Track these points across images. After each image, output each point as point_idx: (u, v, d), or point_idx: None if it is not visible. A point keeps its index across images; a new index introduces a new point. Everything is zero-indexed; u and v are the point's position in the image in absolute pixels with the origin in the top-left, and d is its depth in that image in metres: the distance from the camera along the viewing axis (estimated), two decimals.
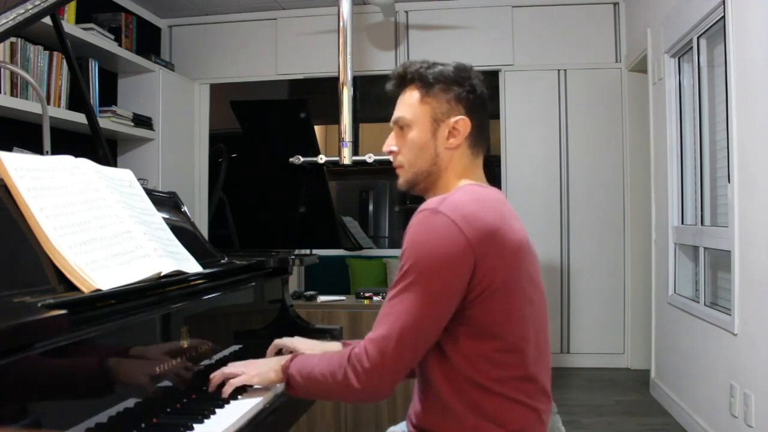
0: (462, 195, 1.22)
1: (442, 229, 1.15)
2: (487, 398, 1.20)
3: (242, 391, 1.34)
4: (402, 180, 1.35)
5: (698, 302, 3.19)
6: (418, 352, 1.18)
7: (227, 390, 1.30)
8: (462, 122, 1.29)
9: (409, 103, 1.32)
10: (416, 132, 1.30)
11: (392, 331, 1.16)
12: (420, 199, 1.34)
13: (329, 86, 4.00)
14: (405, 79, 1.33)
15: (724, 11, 2.70)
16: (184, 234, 1.64)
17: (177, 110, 4.54)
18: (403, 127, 1.32)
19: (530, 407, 1.22)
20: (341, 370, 1.19)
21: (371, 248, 4.22)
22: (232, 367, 1.34)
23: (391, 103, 1.38)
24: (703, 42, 3.18)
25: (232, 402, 1.30)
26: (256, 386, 1.35)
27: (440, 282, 1.15)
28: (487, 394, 1.20)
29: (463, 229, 1.15)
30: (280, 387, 1.37)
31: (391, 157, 1.37)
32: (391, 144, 1.35)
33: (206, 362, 1.41)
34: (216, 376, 1.33)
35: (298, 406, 1.55)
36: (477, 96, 1.30)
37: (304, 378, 1.26)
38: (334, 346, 1.51)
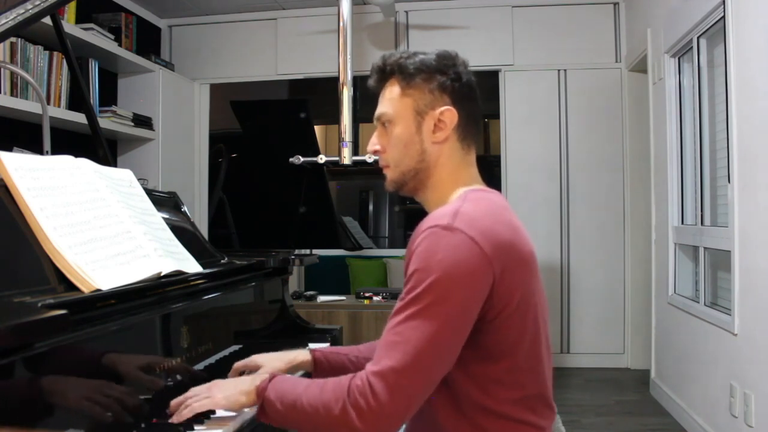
0: (473, 207, 1.11)
1: (460, 246, 1.04)
2: (494, 424, 1.11)
3: (206, 416, 1.17)
4: (389, 180, 1.25)
5: (698, 302, 3.19)
6: (431, 385, 1.05)
7: (185, 414, 1.12)
8: (448, 113, 1.18)
9: (390, 98, 1.22)
10: (400, 127, 1.20)
11: (404, 362, 1.01)
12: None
13: (329, 86, 4.00)
14: (385, 72, 1.23)
15: (724, 11, 2.70)
16: (184, 234, 1.64)
17: (177, 110, 4.54)
18: (386, 123, 1.22)
19: (536, 426, 1.14)
20: (338, 404, 1.03)
21: (371, 248, 4.22)
22: (195, 391, 1.17)
23: None
24: (703, 42, 3.18)
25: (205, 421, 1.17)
26: (222, 412, 1.18)
27: (460, 305, 1.03)
28: (493, 417, 1.11)
29: (483, 247, 1.05)
30: (250, 412, 1.19)
31: (376, 157, 1.26)
32: (375, 143, 1.25)
33: (206, 362, 1.41)
34: (178, 401, 1.16)
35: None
36: (463, 84, 1.20)
37: (286, 406, 1.09)
38: (301, 354, 1.40)
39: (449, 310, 1.03)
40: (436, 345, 1.02)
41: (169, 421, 1.14)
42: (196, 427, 1.14)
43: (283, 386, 1.12)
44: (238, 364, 1.38)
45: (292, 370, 1.39)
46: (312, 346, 1.81)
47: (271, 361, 1.37)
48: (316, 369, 1.40)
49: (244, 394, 1.15)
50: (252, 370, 1.37)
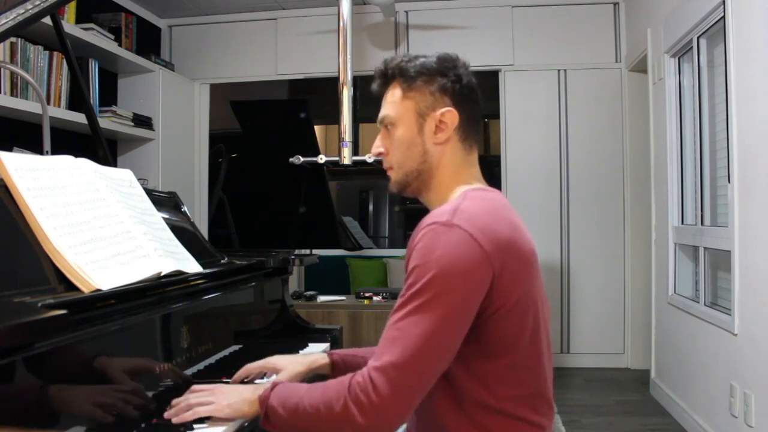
0: (473, 204, 1.13)
1: (459, 243, 1.05)
2: (491, 418, 1.12)
3: (206, 418, 1.16)
4: (392, 182, 1.27)
5: (698, 302, 3.19)
6: (431, 380, 1.06)
7: (188, 416, 1.12)
8: (449, 114, 1.20)
9: (392, 101, 1.24)
10: (402, 130, 1.23)
11: (404, 358, 1.02)
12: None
13: (329, 86, 4.00)
14: (387, 76, 1.25)
15: (724, 11, 2.70)
16: (184, 234, 1.64)
17: (177, 110, 4.54)
18: (388, 126, 1.25)
19: (536, 425, 1.15)
20: (340, 402, 1.04)
21: (371, 248, 4.22)
22: (198, 396, 1.17)
23: None
24: (703, 42, 3.18)
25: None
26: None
27: (459, 301, 1.05)
28: (493, 414, 1.12)
29: (481, 243, 1.06)
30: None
31: (377, 157, 1.28)
32: (378, 145, 1.27)
33: (206, 362, 1.41)
34: (180, 405, 1.15)
35: None
36: (463, 86, 1.22)
37: (288, 411, 1.10)
38: (320, 358, 1.40)
39: (448, 305, 1.04)
40: (435, 340, 1.04)
41: (172, 421, 1.13)
42: (195, 427, 1.14)
43: (285, 392, 1.13)
44: (254, 366, 1.36)
45: (311, 372, 1.39)
46: (312, 346, 1.81)
47: (291, 364, 1.36)
48: (334, 371, 1.40)
49: (247, 404, 1.15)
50: (270, 372, 1.37)
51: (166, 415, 1.14)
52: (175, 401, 1.16)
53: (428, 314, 1.04)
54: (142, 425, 1.13)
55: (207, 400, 1.15)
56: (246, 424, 1.21)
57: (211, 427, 1.14)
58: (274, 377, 1.35)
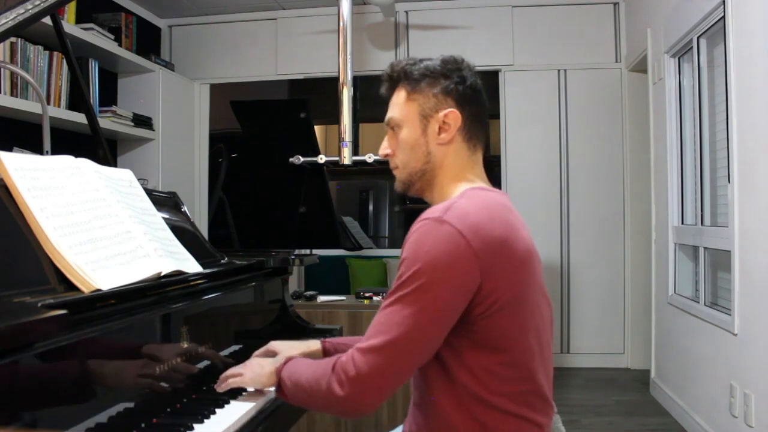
0: (468, 202, 1.15)
1: (447, 239, 1.09)
2: (489, 414, 1.14)
3: (243, 390, 1.36)
4: (398, 181, 1.31)
5: (698, 302, 3.19)
6: (409, 367, 1.12)
7: (222, 387, 1.34)
8: (452, 115, 1.23)
9: (397, 103, 1.28)
10: (406, 131, 1.27)
11: (383, 343, 1.09)
12: (421, 199, 1.33)
13: (329, 86, 4.00)
14: (393, 79, 1.30)
15: (724, 11, 2.70)
16: (184, 234, 1.64)
17: (177, 110, 4.54)
18: (394, 128, 1.29)
19: (533, 422, 1.17)
20: (325, 378, 1.13)
21: (371, 248, 4.22)
22: (233, 369, 1.36)
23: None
24: (703, 42, 3.18)
25: (231, 402, 1.31)
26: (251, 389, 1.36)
27: (441, 296, 1.08)
28: (490, 409, 1.14)
29: (470, 241, 1.08)
30: (264, 402, 1.37)
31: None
32: (385, 146, 1.31)
33: (206, 362, 1.41)
34: (222, 378, 1.35)
35: (297, 407, 1.54)
36: (467, 87, 1.25)
37: (293, 384, 1.22)
38: (313, 344, 1.48)
39: (430, 299, 1.08)
40: (414, 330, 1.09)
41: (216, 388, 1.34)
42: (196, 427, 1.15)
43: (293, 367, 1.25)
44: (258, 352, 1.48)
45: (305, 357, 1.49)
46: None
47: (288, 349, 1.46)
48: (326, 357, 1.46)
49: (266, 376, 1.30)
50: (269, 355, 1.46)
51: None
52: (221, 376, 1.36)
53: (410, 305, 1.09)
54: (142, 425, 1.13)
55: (238, 371, 1.33)
56: (268, 405, 1.31)
57: (244, 402, 1.29)
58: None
